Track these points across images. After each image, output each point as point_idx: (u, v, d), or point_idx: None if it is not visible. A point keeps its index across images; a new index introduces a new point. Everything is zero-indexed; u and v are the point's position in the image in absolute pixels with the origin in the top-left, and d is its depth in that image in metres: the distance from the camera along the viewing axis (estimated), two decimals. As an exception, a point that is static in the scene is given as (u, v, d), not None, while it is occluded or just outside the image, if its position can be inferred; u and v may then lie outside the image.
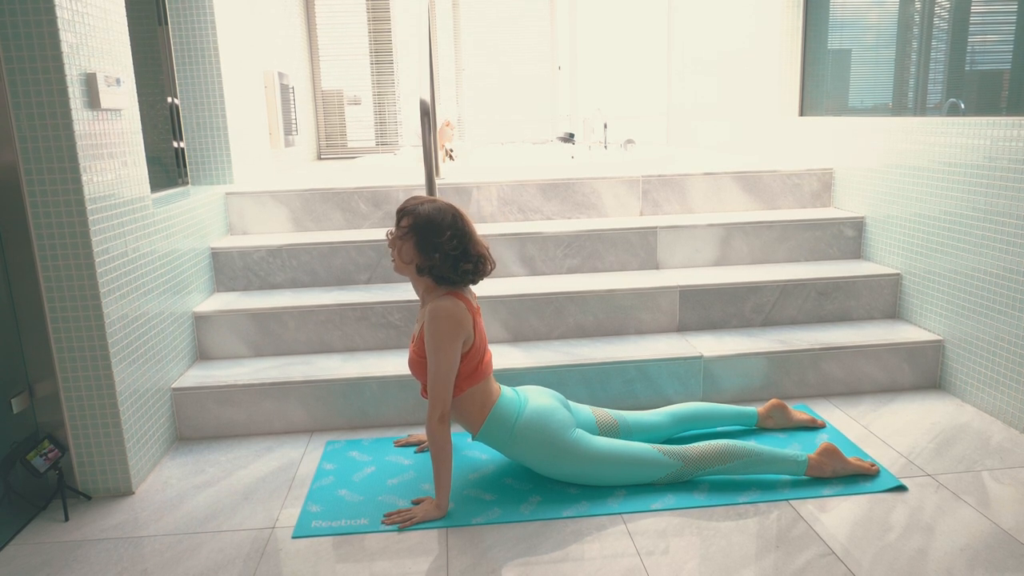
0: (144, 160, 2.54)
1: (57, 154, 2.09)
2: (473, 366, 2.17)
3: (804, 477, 2.28)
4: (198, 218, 3.05)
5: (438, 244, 2.08)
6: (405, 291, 3.07)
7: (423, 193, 3.10)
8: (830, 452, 2.28)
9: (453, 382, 2.12)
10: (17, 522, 2.15)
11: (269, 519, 2.17)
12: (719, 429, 2.61)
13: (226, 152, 3.54)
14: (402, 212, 2.14)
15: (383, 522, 2.12)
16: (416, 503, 2.21)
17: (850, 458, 2.30)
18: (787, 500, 2.18)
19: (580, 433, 2.25)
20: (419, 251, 2.10)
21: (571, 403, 2.41)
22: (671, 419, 2.50)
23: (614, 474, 2.24)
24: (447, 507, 2.16)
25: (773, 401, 2.65)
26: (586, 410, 2.42)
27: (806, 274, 3.21)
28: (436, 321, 2.08)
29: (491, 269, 2.19)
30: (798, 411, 2.68)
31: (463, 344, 2.13)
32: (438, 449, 2.10)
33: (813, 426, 2.64)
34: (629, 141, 5.42)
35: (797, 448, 2.46)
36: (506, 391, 2.29)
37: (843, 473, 2.27)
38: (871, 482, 2.25)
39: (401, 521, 2.11)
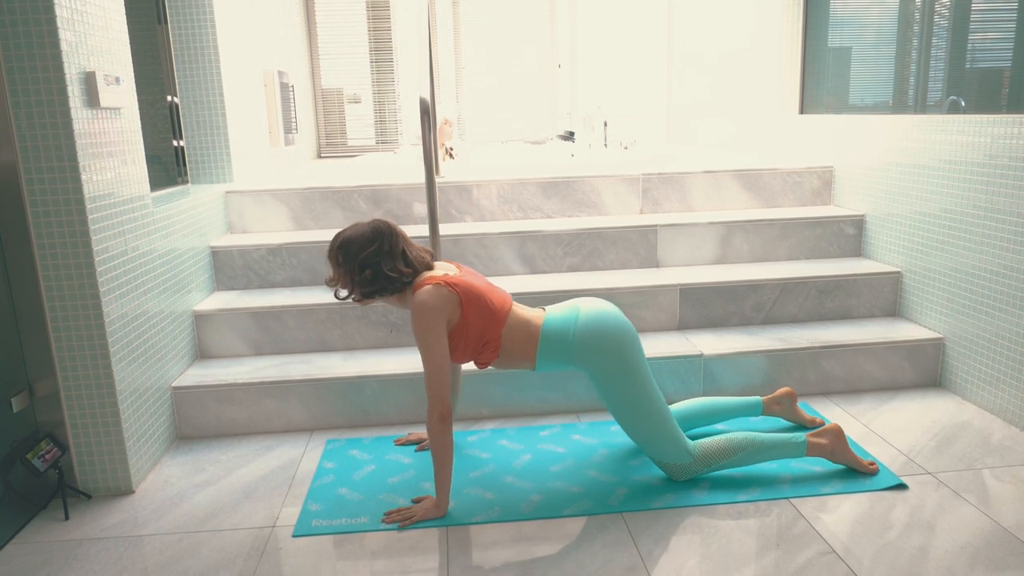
0: (144, 159, 2.53)
1: (56, 153, 2.09)
2: (485, 312, 2.11)
3: (806, 459, 2.29)
4: (198, 217, 3.05)
5: (365, 263, 2.07)
6: (405, 290, 3.07)
7: (423, 192, 3.10)
8: (836, 433, 2.29)
9: (448, 376, 2.09)
10: (17, 521, 2.15)
11: (269, 518, 2.17)
12: (723, 426, 2.61)
13: (226, 151, 3.54)
14: (332, 254, 2.13)
15: (383, 521, 2.12)
16: (416, 502, 2.21)
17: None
18: (787, 498, 2.18)
19: (644, 359, 2.22)
20: (358, 280, 2.10)
21: None
22: (678, 417, 2.49)
23: (653, 424, 2.20)
24: (447, 506, 2.16)
25: (786, 389, 2.65)
26: None
27: (806, 272, 3.20)
28: (414, 320, 2.07)
29: (422, 251, 2.18)
30: (801, 410, 2.68)
31: (458, 308, 2.09)
32: (439, 448, 2.09)
33: (814, 426, 2.64)
34: (629, 140, 5.42)
35: None
36: (551, 310, 2.25)
37: (841, 458, 2.28)
38: (871, 480, 2.25)
39: (401, 520, 2.11)
